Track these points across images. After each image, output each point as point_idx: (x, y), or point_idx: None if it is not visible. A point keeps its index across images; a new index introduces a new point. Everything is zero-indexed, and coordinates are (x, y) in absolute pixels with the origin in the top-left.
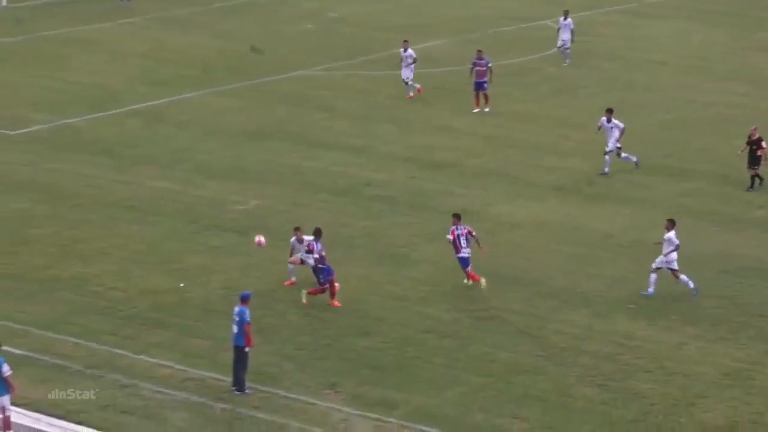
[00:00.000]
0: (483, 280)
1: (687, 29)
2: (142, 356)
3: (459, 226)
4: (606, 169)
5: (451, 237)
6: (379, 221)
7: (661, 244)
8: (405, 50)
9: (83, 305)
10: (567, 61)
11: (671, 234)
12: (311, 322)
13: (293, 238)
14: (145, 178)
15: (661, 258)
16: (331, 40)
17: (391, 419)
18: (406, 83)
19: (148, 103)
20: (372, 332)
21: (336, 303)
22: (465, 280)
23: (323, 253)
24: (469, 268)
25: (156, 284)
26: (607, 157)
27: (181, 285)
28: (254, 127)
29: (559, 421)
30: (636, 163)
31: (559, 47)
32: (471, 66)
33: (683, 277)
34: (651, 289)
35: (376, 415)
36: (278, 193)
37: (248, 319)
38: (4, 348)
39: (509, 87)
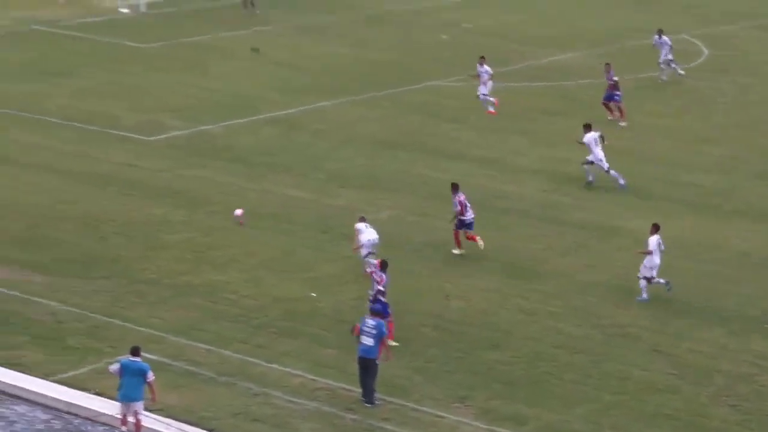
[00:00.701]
0: (480, 242)
1: None
2: (273, 365)
3: (459, 194)
4: (590, 178)
5: (458, 207)
6: (509, 234)
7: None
8: (481, 65)
9: (216, 312)
10: (663, 77)
11: (653, 239)
12: (441, 334)
13: (358, 224)
14: (279, 186)
15: (644, 265)
16: (465, 51)
17: None
18: (484, 97)
19: (283, 112)
20: (502, 346)
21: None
22: (455, 250)
23: (383, 288)
24: (471, 231)
25: (288, 293)
26: (586, 166)
27: (313, 294)
28: (387, 136)
29: None
30: (623, 186)
31: (669, 64)
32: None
33: (656, 279)
34: (646, 297)
35: (505, 430)
36: (410, 203)
37: (386, 332)
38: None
39: (645, 100)
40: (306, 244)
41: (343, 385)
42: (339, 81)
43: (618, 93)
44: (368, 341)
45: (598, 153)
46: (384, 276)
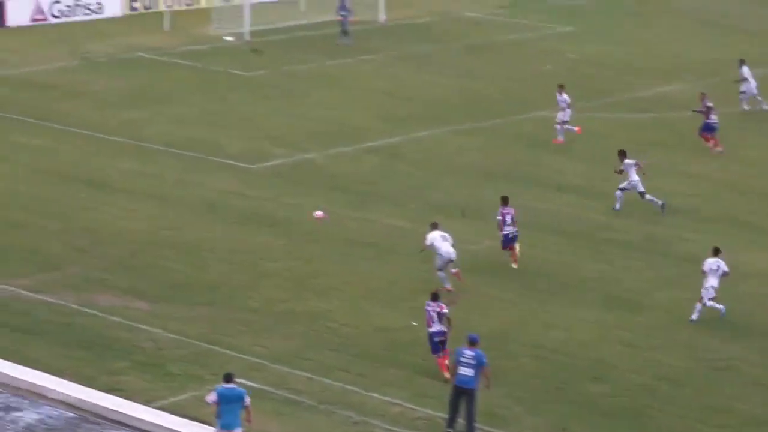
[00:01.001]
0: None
1: None
2: (373, 393)
3: (506, 208)
4: (617, 206)
5: (500, 217)
6: (612, 265)
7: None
8: (560, 94)
9: (317, 340)
10: (764, 106)
11: (709, 260)
12: (542, 365)
13: (433, 233)
14: (380, 215)
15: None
16: (569, 81)
17: None
18: (562, 124)
19: (386, 140)
20: (603, 378)
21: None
22: (514, 265)
23: (446, 310)
24: (512, 244)
25: (389, 322)
26: (619, 192)
27: (413, 324)
28: (488, 166)
29: None
30: (662, 207)
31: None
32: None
33: (700, 305)
34: (722, 308)
35: None
36: None
37: (486, 362)
38: (240, 380)
39: (750, 132)
40: (407, 273)
41: (442, 415)
42: (441, 110)
43: (711, 120)
44: (467, 371)
45: (634, 177)
46: (442, 305)
